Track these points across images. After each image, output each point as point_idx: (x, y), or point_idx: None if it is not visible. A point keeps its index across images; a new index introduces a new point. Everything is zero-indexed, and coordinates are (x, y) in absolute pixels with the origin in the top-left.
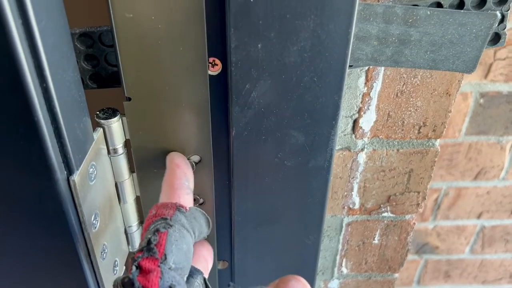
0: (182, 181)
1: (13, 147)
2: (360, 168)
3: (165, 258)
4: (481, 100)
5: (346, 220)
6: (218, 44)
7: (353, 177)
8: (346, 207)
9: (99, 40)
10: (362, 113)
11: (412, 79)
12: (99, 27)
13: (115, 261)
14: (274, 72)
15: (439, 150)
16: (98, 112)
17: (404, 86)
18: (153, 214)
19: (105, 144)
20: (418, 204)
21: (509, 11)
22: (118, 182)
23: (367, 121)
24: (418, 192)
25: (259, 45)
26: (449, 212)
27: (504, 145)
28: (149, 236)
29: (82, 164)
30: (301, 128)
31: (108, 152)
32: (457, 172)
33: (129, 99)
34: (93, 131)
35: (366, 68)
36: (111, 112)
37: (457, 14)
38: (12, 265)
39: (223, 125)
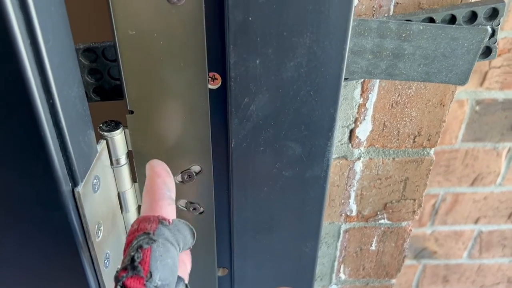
0: (163, 191)
1: (21, 161)
2: (357, 176)
3: (151, 276)
4: (477, 108)
5: (343, 227)
6: (218, 59)
7: (350, 185)
8: (343, 214)
9: (103, 55)
10: (358, 123)
11: (406, 90)
12: (103, 43)
13: (118, 268)
14: (271, 86)
15: (434, 158)
16: (101, 125)
17: (399, 97)
18: (135, 228)
19: (108, 155)
20: (414, 211)
21: (502, 22)
22: (120, 192)
23: (363, 131)
24: (414, 200)
25: (257, 61)
26: (447, 218)
27: (500, 151)
28: (132, 253)
29: (86, 176)
30: (298, 139)
31: (111, 163)
32: (454, 178)
33: (132, 112)
34: (97, 143)
35: (362, 80)
36: (114, 125)
37: (449, 29)
38: (18, 273)
39: (222, 137)
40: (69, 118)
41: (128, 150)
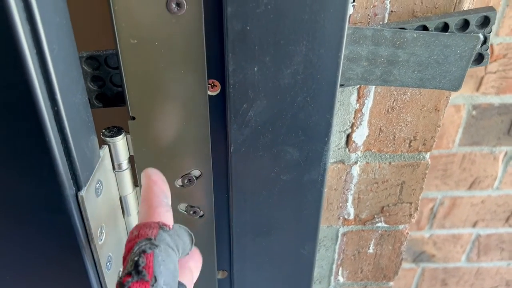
0: (160, 199)
1: (27, 165)
2: (354, 180)
3: (156, 280)
4: (474, 112)
5: (341, 230)
6: (217, 67)
7: (348, 189)
8: (341, 217)
9: (105, 63)
10: (355, 128)
11: (402, 95)
12: (105, 51)
13: (120, 271)
14: (269, 93)
15: (430, 162)
16: (104, 130)
17: (394, 103)
18: (135, 235)
19: (110, 160)
20: (410, 215)
21: (496, 28)
22: (122, 196)
23: (360, 136)
24: (411, 203)
25: (255, 69)
26: (445, 221)
27: (497, 155)
28: (136, 258)
29: (89, 180)
30: (295, 144)
31: (113, 168)
32: (452, 182)
33: (133, 118)
34: (100, 148)
35: (358, 86)
36: (116, 130)
37: (442, 37)
38: (21, 275)
39: (222, 142)
40: (73, 124)
41: (130, 155)
